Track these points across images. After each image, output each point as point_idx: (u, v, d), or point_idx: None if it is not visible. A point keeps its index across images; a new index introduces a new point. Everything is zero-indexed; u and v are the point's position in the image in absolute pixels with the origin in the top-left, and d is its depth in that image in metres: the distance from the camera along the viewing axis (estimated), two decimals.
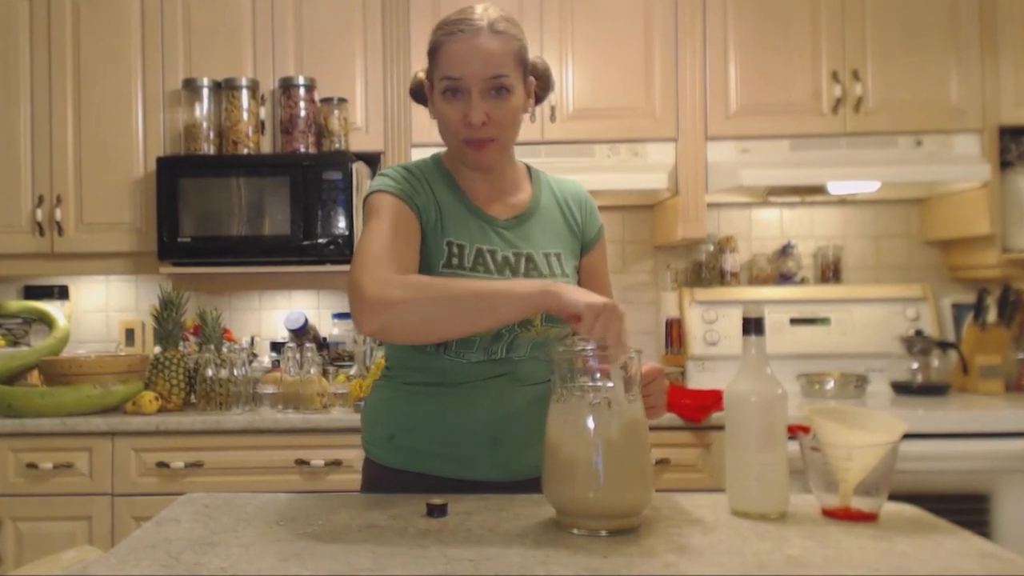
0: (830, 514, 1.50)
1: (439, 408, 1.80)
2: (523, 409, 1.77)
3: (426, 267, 1.76)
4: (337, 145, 3.57)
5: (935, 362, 3.64)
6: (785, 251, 3.96)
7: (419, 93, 1.93)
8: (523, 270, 1.82)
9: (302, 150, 3.55)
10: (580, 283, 1.93)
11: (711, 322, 3.76)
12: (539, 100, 1.93)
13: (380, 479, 1.84)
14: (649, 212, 4.04)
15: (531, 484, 1.64)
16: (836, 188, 3.68)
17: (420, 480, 1.78)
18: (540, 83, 1.90)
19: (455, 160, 1.88)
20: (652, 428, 1.47)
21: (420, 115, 3.58)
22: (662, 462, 3.11)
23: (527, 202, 1.90)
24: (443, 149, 1.93)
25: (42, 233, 3.61)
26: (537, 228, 1.88)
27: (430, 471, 1.79)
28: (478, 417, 1.77)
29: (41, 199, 3.61)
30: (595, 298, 1.47)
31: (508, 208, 1.88)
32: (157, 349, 3.43)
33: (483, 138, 1.76)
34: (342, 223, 3.44)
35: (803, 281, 3.96)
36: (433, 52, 1.79)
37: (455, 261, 1.77)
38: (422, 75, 1.90)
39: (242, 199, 3.48)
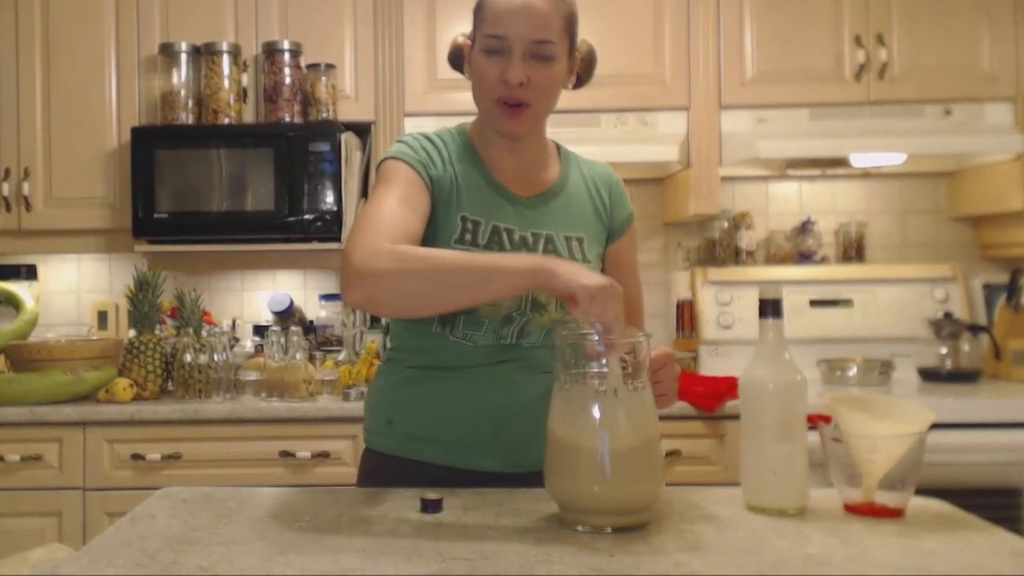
0: (853, 510, 1.50)
1: (440, 393, 1.82)
2: (530, 399, 1.78)
3: (437, 242, 1.77)
4: (324, 114, 3.56)
5: (965, 347, 3.64)
6: (804, 228, 3.95)
7: (458, 61, 1.93)
8: (541, 252, 1.82)
9: (287, 120, 3.53)
10: (606, 273, 1.93)
11: (725, 304, 3.76)
12: (579, 84, 1.94)
13: (379, 467, 1.87)
14: (659, 186, 4.03)
15: (538, 477, 1.64)
16: (859, 160, 3.67)
17: (419, 468, 1.80)
18: (582, 66, 1.93)
19: (482, 130, 1.89)
20: (662, 417, 1.47)
21: (413, 83, 3.57)
22: (673, 454, 3.12)
23: (553, 180, 1.91)
24: (461, 120, 1.95)
25: (8, 209, 3.59)
26: (561, 209, 1.89)
27: (430, 459, 1.81)
28: (480, 404, 1.79)
29: (8, 172, 3.59)
30: (592, 278, 1.47)
31: (532, 185, 1.89)
32: (132, 333, 3.43)
33: (519, 101, 1.77)
34: (330, 198, 3.43)
35: (824, 260, 3.95)
36: (480, 7, 1.80)
37: (468, 237, 1.78)
38: (462, 39, 1.91)
39: (223, 172, 3.47)
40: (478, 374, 1.80)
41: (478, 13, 1.80)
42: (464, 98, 1.87)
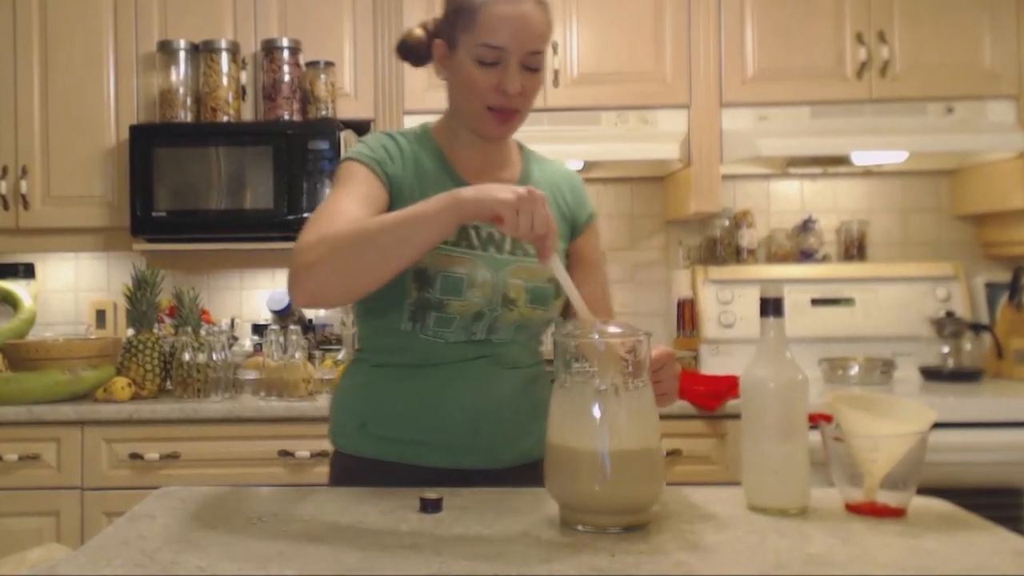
0: (854, 509, 1.50)
1: (414, 391, 1.80)
2: (505, 394, 1.79)
3: None
4: (324, 112, 3.56)
5: (967, 346, 3.63)
6: (806, 226, 3.94)
7: (413, 51, 1.92)
8: (508, 248, 1.83)
9: (286, 118, 3.53)
10: (570, 271, 1.92)
11: (726, 303, 3.75)
12: None
13: (352, 471, 1.83)
14: (660, 184, 4.03)
15: (519, 472, 1.64)
16: (861, 158, 3.67)
17: (397, 469, 1.79)
18: None
19: (452, 129, 1.90)
20: (663, 417, 1.47)
21: (413, 81, 3.57)
22: (673, 453, 3.11)
23: (516, 177, 1.92)
24: (434, 118, 1.95)
25: (6, 207, 3.59)
26: None
27: (409, 460, 1.79)
28: (457, 401, 1.78)
29: (5, 170, 3.59)
30: (508, 192, 1.50)
31: (496, 182, 1.88)
32: (130, 332, 3.42)
33: (512, 108, 1.79)
34: None
35: (825, 259, 3.95)
36: (467, 12, 1.77)
37: None
38: (420, 32, 1.90)
39: (221, 170, 3.47)
40: (451, 371, 1.79)
41: (466, 17, 1.77)
42: None
